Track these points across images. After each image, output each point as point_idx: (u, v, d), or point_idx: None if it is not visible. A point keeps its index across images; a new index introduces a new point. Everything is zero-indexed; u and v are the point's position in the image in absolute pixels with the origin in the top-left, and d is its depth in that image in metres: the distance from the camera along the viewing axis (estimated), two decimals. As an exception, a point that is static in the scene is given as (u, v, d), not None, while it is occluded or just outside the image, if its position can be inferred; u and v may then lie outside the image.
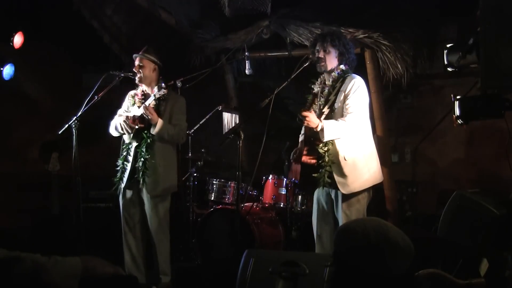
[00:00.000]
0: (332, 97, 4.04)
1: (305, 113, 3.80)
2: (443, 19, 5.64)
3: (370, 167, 4.10)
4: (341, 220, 4.02)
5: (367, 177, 4.07)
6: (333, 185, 4.00)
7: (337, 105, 4.01)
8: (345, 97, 4.00)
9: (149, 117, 4.59)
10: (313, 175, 4.03)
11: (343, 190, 3.98)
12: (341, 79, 4.09)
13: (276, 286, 2.58)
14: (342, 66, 4.13)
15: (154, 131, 4.62)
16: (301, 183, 4.31)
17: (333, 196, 4.10)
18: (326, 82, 4.15)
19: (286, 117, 6.32)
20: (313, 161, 4.02)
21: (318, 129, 3.87)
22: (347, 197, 4.01)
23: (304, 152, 4.03)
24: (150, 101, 4.65)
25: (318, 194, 4.23)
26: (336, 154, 3.98)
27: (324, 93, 4.12)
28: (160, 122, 4.62)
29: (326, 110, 4.00)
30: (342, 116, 3.98)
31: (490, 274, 2.79)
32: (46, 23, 6.10)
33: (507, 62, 2.79)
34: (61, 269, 1.81)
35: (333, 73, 4.13)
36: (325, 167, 3.99)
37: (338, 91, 4.05)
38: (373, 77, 5.55)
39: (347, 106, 3.96)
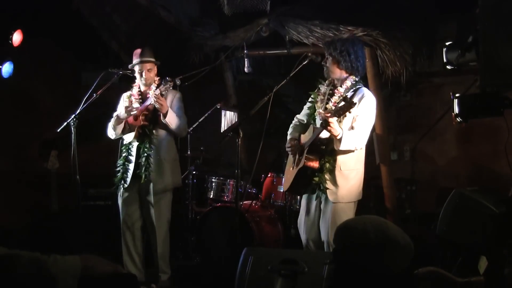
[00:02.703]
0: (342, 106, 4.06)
1: (331, 120, 3.77)
2: (442, 17, 5.62)
3: (358, 183, 4.16)
4: (327, 228, 4.05)
5: (355, 191, 4.14)
6: (325, 192, 4.05)
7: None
8: (355, 109, 3.98)
9: (159, 105, 4.54)
10: (314, 178, 4.06)
11: (330, 197, 4.04)
12: (352, 89, 4.13)
13: (275, 284, 2.58)
14: (353, 77, 4.16)
15: (165, 119, 4.60)
16: (294, 188, 4.30)
17: (322, 203, 4.13)
18: (338, 89, 4.16)
19: (285, 115, 6.31)
20: (316, 165, 4.03)
21: (338, 137, 3.88)
22: (336, 206, 4.06)
23: (305, 156, 4.03)
24: (157, 93, 4.63)
25: (308, 200, 4.27)
26: (333, 163, 4.04)
27: (333, 99, 4.13)
28: (170, 110, 4.62)
29: (336, 118, 4.02)
30: (348, 125, 4.01)
31: (490, 272, 2.79)
32: (45, 21, 6.08)
33: (506, 60, 2.79)
34: (61, 268, 1.81)
35: (346, 82, 4.15)
36: (324, 173, 4.03)
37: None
38: (372, 75, 5.54)
39: (358, 120, 3.96)
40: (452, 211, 3.20)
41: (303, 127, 4.42)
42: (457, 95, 3.22)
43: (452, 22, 5.57)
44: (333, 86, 4.24)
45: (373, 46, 5.46)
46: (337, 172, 4.03)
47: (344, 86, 4.14)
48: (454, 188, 3.37)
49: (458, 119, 3.20)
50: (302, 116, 4.46)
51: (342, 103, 3.71)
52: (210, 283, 5.20)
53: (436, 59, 5.59)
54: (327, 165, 4.03)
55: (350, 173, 4.08)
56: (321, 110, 4.17)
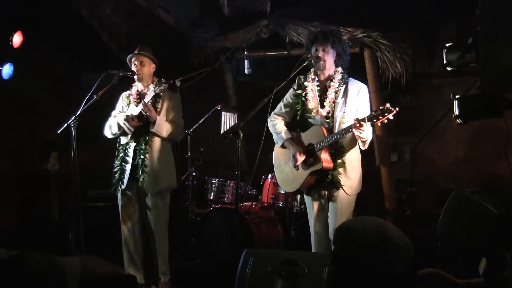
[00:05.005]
0: (340, 100, 4.08)
1: (363, 127, 3.76)
2: (442, 19, 5.63)
3: (361, 171, 4.23)
4: (335, 220, 4.06)
5: (360, 179, 4.20)
6: (338, 187, 4.06)
7: (347, 108, 4.05)
8: (355, 102, 4.06)
9: (147, 114, 4.58)
10: (328, 177, 4.07)
11: (348, 191, 4.07)
12: (343, 82, 4.14)
13: (275, 285, 2.57)
14: (340, 69, 4.18)
15: (153, 128, 4.62)
16: (303, 188, 4.30)
17: (330, 197, 4.14)
18: (330, 84, 4.15)
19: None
20: (331, 165, 4.06)
21: (364, 139, 3.89)
22: (346, 198, 4.09)
23: (322, 158, 4.03)
24: (150, 97, 4.65)
25: (312, 200, 4.28)
26: (344, 159, 4.07)
27: (330, 95, 4.12)
28: (158, 119, 4.62)
29: (339, 114, 4.05)
30: (346, 118, 4.04)
31: (489, 273, 2.79)
32: (45, 22, 6.09)
33: (505, 61, 2.79)
34: (62, 269, 1.81)
35: (335, 75, 4.15)
36: (337, 169, 4.06)
37: (344, 94, 4.09)
38: (372, 76, 5.55)
39: (361, 112, 3.96)
40: (452, 213, 3.21)
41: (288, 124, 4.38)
42: (457, 96, 3.23)
43: (452, 23, 5.57)
44: (319, 82, 4.23)
45: (373, 48, 5.47)
46: (348, 167, 4.06)
47: (336, 80, 4.15)
48: (454, 189, 3.38)
49: (458, 120, 3.20)
50: (284, 113, 4.38)
51: (379, 111, 3.69)
52: (210, 284, 5.19)
53: (436, 61, 5.60)
54: (339, 161, 4.06)
55: (358, 165, 4.15)
56: (320, 109, 4.14)
